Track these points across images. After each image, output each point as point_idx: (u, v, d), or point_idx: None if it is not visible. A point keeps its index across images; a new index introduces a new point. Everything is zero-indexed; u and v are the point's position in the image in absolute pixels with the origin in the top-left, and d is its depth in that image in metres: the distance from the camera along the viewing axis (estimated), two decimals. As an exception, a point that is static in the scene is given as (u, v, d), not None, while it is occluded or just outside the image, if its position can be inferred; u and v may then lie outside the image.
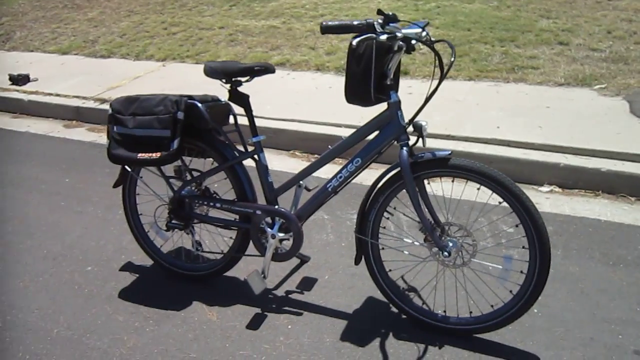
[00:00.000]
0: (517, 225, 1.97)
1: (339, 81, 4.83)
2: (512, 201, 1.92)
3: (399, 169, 2.06)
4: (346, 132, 4.07)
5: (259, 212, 2.25)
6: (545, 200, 3.23)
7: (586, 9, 5.79)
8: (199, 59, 5.56)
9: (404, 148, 2.02)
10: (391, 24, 1.85)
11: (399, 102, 2.03)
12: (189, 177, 2.43)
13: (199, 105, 2.20)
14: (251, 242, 2.35)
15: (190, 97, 2.24)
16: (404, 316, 2.25)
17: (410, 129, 2.02)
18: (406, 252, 2.25)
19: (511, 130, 3.69)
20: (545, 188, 3.36)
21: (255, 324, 2.25)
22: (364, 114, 4.18)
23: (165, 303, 2.40)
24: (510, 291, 2.05)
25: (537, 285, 1.95)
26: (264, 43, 5.78)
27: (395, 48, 1.90)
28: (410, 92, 4.50)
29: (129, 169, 2.48)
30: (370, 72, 1.90)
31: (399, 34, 1.83)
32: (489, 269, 2.12)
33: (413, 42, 1.91)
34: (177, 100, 2.20)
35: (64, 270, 2.67)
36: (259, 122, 3.41)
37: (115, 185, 2.55)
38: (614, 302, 2.29)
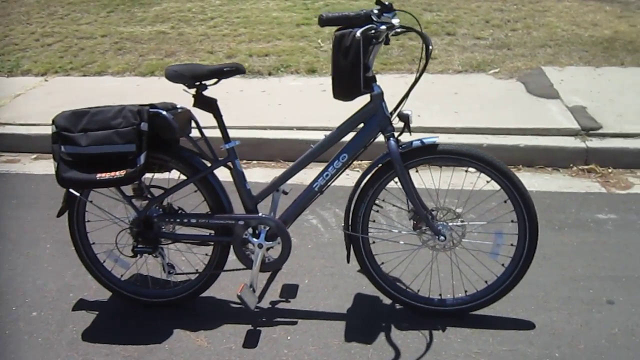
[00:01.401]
0: (505, 201, 2.07)
1: (248, 84, 4.71)
2: (500, 178, 2.01)
3: (386, 160, 2.05)
4: (273, 134, 4.03)
5: (241, 222, 2.11)
6: (477, 179, 3.43)
7: (462, 1, 6.26)
8: (85, 71, 5.09)
9: (391, 139, 2.02)
10: (385, 14, 1.83)
11: (382, 93, 2.03)
12: (149, 195, 2.20)
13: (164, 113, 2.02)
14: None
15: (152, 105, 2.04)
16: (398, 306, 2.26)
17: (395, 119, 2.03)
18: (402, 242, 2.25)
19: (431, 118, 3.86)
20: (473, 169, 3.57)
21: (251, 341, 2.11)
22: (288, 114, 4.15)
23: (142, 338, 2.16)
24: (503, 265, 2.15)
25: (528, 255, 2.07)
26: (157, 50, 5.46)
27: (380, 39, 1.89)
28: (324, 89, 4.52)
29: (76, 193, 2.19)
30: (359, 64, 1.87)
31: (395, 24, 1.82)
32: (480, 246, 2.19)
33: (390, 33, 1.92)
34: (140, 110, 1.99)
35: (1, 320, 2.29)
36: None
37: (60, 214, 2.24)
38: (573, 261, 2.51)
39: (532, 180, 3.36)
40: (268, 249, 2.15)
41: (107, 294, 2.40)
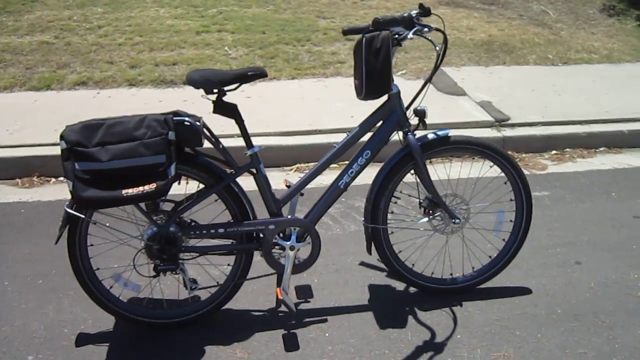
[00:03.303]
0: (505, 183, 2.33)
1: (165, 94, 4.52)
2: (502, 163, 2.27)
3: (404, 153, 2.19)
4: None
5: (272, 226, 2.10)
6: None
7: (349, 8, 6.62)
8: (-37, 87, 4.46)
9: (410, 134, 2.16)
10: (420, 18, 1.97)
11: (400, 92, 2.16)
12: (163, 209, 2.08)
13: (192, 121, 1.94)
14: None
15: (175, 113, 1.95)
16: (412, 290, 2.41)
17: (411, 115, 2.18)
18: (422, 229, 2.40)
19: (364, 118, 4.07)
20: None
21: (292, 344, 2.10)
22: (223, 123, 4.05)
23: (174, 360, 2.04)
24: (503, 239, 2.41)
25: (525, 228, 2.36)
26: (44, 62, 4.96)
27: (402, 41, 2.03)
28: (248, 96, 4.52)
29: (80, 215, 1.99)
30: (389, 62, 1.99)
31: (433, 26, 1.97)
32: (484, 225, 2.43)
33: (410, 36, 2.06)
34: (166, 119, 1.89)
35: (-6, 371, 1.99)
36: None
37: (59, 239, 2.01)
38: (534, 234, 2.83)
39: (466, 170, 3.71)
40: (298, 250, 2.16)
41: (109, 323, 2.20)
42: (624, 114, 4.24)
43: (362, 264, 2.59)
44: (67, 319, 2.23)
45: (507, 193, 2.37)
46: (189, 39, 5.53)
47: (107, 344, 2.11)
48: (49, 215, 3.05)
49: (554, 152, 3.97)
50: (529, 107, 4.33)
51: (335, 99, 4.41)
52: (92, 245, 2.10)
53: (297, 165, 3.79)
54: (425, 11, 1.98)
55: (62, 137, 1.84)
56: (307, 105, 4.31)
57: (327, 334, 2.16)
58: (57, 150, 3.52)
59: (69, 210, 1.97)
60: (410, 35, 1.94)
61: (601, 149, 4.05)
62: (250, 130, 3.98)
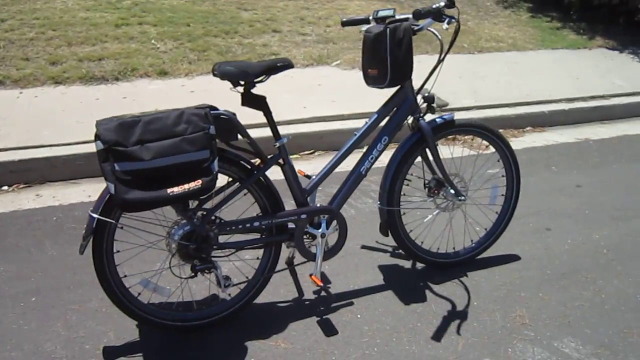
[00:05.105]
0: (498, 160, 2.55)
1: (100, 91, 4.25)
2: (496, 142, 2.49)
3: (416, 138, 2.32)
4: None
5: (304, 216, 2.12)
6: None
7: (269, 0, 6.61)
8: None
9: (421, 120, 2.30)
10: (447, 9, 2.09)
11: (411, 80, 2.28)
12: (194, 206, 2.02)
13: (229, 114, 1.90)
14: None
15: (211, 107, 1.90)
16: (419, 266, 2.56)
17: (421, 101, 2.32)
18: (431, 208, 2.54)
19: (317, 108, 4.16)
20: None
21: (330, 330, 2.15)
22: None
23: (219, 360, 1.99)
24: (496, 212, 2.63)
25: (515, 200, 2.60)
26: (-54, 59, 4.42)
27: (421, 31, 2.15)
28: (192, 90, 4.38)
29: (108, 220, 1.87)
30: (411, 50, 2.11)
31: (456, 17, 2.09)
32: (480, 200, 2.64)
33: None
34: (206, 113, 1.84)
35: (24, 398, 1.81)
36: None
37: (84, 248, 1.87)
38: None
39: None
40: (327, 236, 2.20)
41: (133, 333, 2.09)
42: (542, 96, 4.75)
43: (364, 247, 2.69)
44: (84, 335, 2.08)
45: (500, 169, 2.60)
46: (109, 32, 5.21)
47: (140, 354, 2.01)
48: (9, 228, 2.78)
49: (490, 133, 4.34)
50: (461, 92, 4.68)
51: (281, 91, 4.42)
52: (118, 251, 1.97)
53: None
54: (451, 3, 2.11)
55: (97, 136, 1.71)
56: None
57: (359, 316, 2.23)
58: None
59: (96, 216, 1.84)
60: (445, 26, 2.07)
61: (527, 128, 4.51)
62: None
